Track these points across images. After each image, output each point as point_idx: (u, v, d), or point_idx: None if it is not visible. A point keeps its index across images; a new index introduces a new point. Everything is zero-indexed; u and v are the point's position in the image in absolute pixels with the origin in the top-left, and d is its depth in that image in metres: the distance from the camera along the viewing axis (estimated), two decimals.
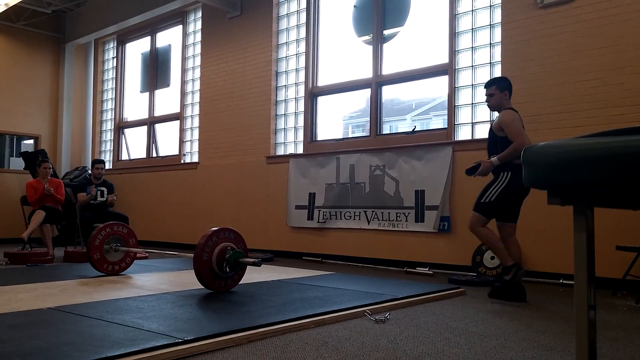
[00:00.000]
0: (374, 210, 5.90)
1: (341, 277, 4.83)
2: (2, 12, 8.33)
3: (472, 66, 5.47)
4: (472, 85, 5.46)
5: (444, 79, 5.69)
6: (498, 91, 4.01)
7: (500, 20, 5.21)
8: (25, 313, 2.95)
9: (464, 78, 5.53)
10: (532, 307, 3.58)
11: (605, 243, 4.13)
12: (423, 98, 6.88)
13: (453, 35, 5.59)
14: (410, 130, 5.96)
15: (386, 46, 6.26)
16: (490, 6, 5.36)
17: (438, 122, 6.37)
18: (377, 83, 6.23)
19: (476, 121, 5.44)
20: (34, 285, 4.00)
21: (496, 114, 4.11)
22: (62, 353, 2.14)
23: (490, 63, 5.34)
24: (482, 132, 5.38)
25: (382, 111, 6.29)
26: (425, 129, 6.20)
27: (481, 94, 5.40)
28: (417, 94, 6.59)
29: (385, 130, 6.39)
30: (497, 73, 5.22)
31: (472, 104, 5.46)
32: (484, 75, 5.38)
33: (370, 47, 6.33)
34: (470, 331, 2.83)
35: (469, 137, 5.44)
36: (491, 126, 4.09)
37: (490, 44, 5.34)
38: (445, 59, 5.66)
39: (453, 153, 5.38)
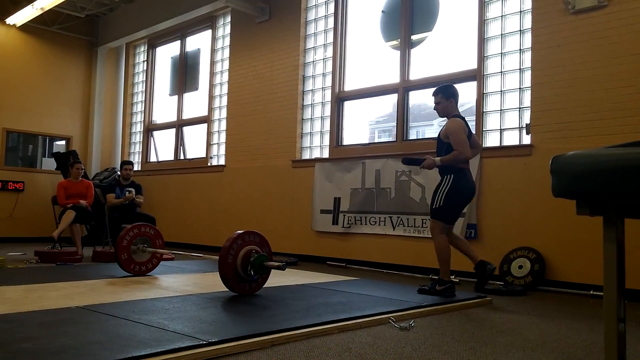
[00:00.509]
0: (399, 216, 5.87)
1: (365, 282, 4.81)
2: (37, 16, 8.56)
3: (502, 72, 5.40)
4: (501, 91, 5.39)
5: (472, 85, 5.62)
6: (444, 99, 4.22)
7: (530, 26, 5.14)
8: (54, 311, 3.01)
9: (492, 84, 5.47)
10: (561, 319, 3.51)
11: (635, 254, 4.03)
12: None
13: (482, 40, 5.53)
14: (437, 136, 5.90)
15: (414, 51, 6.23)
16: (521, 12, 5.29)
17: None
18: (404, 88, 6.20)
19: (505, 127, 5.36)
20: (64, 284, 4.09)
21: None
22: (89, 352, 2.18)
23: (519, 69, 5.26)
24: (511, 138, 5.30)
25: (408, 116, 6.25)
26: None
27: (510, 100, 5.33)
28: None
29: (412, 135, 6.36)
30: (527, 79, 5.15)
31: (501, 110, 5.39)
32: (513, 82, 5.31)
33: (398, 52, 6.31)
34: (496, 341, 2.79)
35: (497, 144, 5.37)
36: (439, 133, 4.28)
37: (520, 49, 5.27)
38: (473, 65, 5.60)
39: (480, 160, 5.32)
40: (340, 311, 3.26)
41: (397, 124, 6.26)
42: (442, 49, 6.05)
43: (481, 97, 5.49)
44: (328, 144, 6.89)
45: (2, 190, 8.73)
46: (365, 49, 6.83)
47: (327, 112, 6.94)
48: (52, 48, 9.50)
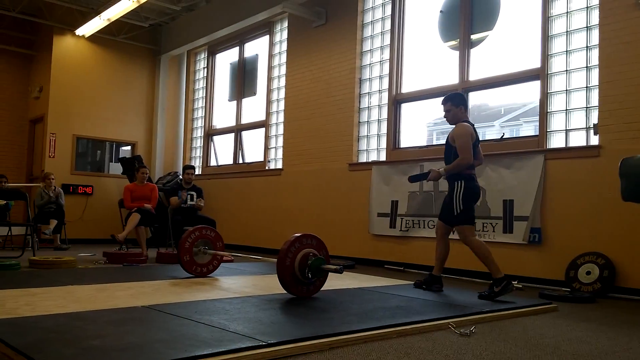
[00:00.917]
0: None
1: None
2: (104, 27, 8.97)
3: (567, 70, 5.19)
4: (566, 90, 5.19)
5: (536, 84, 5.44)
6: (454, 107, 4.36)
7: (597, 22, 4.92)
8: (121, 310, 3.13)
9: (557, 83, 5.27)
10: (632, 328, 3.32)
11: None
12: (513, 104, 6.62)
13: (546, 38, 5.33)
14: (499, 137, 5.74)
15: (473, 51, 6.09)
16: (587, 7, 5.07)
17: (529, 128, 6.11)
18: (463, 89, 6.07)
19: (570, 128, 5.15)
20: (130, 284, 4.25)
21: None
22: (153, 350, 2.25)
23: (586, 67, 5.04)
24: (577, 139, 5.09)
25: (468, 118, 6.09)
26: (514, 136, 5.96)
27: (577, 99, 5.12)
28: (507, 99, 6.35)
29: None
30: (595, 77, 4.93)
31: (566, 110, 5.18)
32: (579, 80, 5.09)
33: (457, 53, 6.19)
34: (562, 349, 2.67)
35: (563, 145, 5.16)
36: (448, 137, 4.38)
37: (587, 47, 5.05)
38: (537, 64, 5.42)
39: (545, 161, 5.13)
40: (399, 315, 3.22)
41: None
42: (504, 48, 5.89)
43: (545, 96, 5.30)
44: (385, 146, 6.84)
45: (73, 194, 9.19)
46: (422, 50, 6.74)
47: (384, 114, 6.90)
48: (118, 57, 9.93)
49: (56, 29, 9.25)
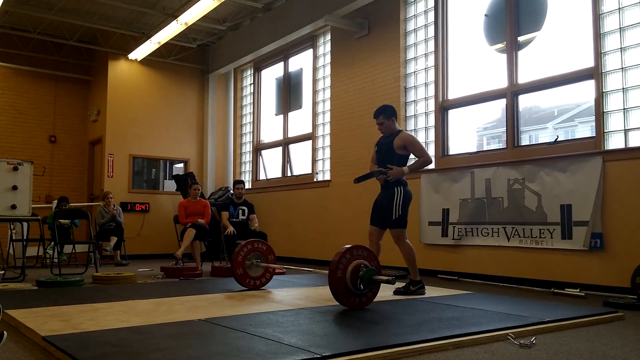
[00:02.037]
0: (514, 227, 5.59)
1: (480, 297, 4.63)
2: (155, 50, 9.31)
3: (622, 68, 5.00)
4: (622, 89, 4.99)
5: (590, 84, 5.26)
6: (386, 119, 4.70)
7: None
8: (180, 323, 3.21)
9: (613, 82, 5.07)
10: None
11: None
12: (566, 104, 6.41)
13: (598, 36, 5.16)
14: (553, 140, 5.57)
15: (521, 53, 5.96)
16: None
17: (584, 129, 5.89)
18: (512, 92, 5.94)
19: (629, 128, 4.94)
20: (187, 298, 4.35)
21: None
22: None
23: None
24: (637, 139, 4.87)
25: (519, 121, 5.96)
26: (569, 138, 5.77)
27: (635, 98, 4.91)
28: (559, 100, 6.16)
29: (524, 141, 6.05)
30: None
31: (624, 109, 4.98)
32: (637, 78, 4.89)
33: (504, 56, 6.06)
34: None
35: (622, 146, 4.95)
36: (383, 145, 4.74)
37: None
38: (590, 63, 5.24)
39: (603, 163, 4.94)
40: (454, 326, 3.16)
41: (506, 130, 6.00)
42: (553, 49, 5.73)
43: (600, 96, 5.11)
44: (434, 154, 6.76)
45: (131, 211, 9.52)
46: (468, 55, 6.64)
47: (431, 122, 6.82)
48: (169, 78, 10.27)
49: (111, 54, 9.67)
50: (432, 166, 6.71)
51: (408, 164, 4.75)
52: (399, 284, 4.64)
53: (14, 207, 5.56)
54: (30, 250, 7.18)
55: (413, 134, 7.03)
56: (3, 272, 5.79)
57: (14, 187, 5.58)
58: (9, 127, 9.89)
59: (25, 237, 6.32)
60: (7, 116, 9.88)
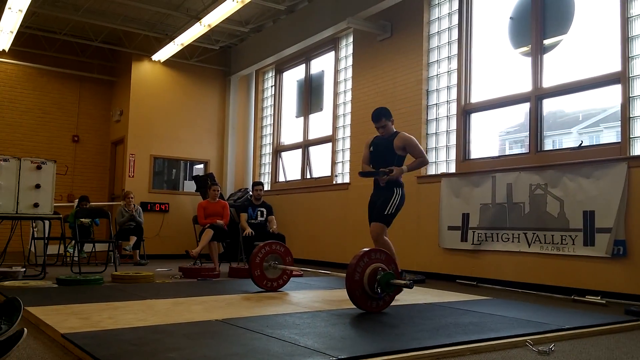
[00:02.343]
0: (535, 232, 5.51)
1: (499, 302, 4.56)
2: (178, 52, 9.40)
3: None
4: None
5: (616, 88, 5.16)
6: (388, 122, 4.73)
7: None
8: (197, 324, 3.23)
9: None
10: None
11: None
12: (591, 109, 6.29)
13: (626, 40, 5.06)
14: (577, 145, 5.48)
15: (546, 57, 5.87)
16: None
17: (610, 135, 5.78)
18: (536, 96, 5.85)
19: None
20: (204, 298, 4.37)
21: None
22: None
23: None
24: None
25: (543, 126, 5.87)
26: (594, 143, 5.66)
27: None
28: (584, 105, 6.05)
29: (548, 146, 5.96)
30: None
31: None
32: None
33: (529, 59, 5.99)
34: None
35: None
36: (380, 146, 4.77)
37: None
38: (617, 67, 5.14)
39: (628, 169, 4.83)
40: (472, 332, 3.12)
41: (530, 134, 5.92)
42: (579, 52, 5.63)
43: (627, 101, 5.01)
44: (454, 158, 6.70)
45: (151, 211, 9.62)
46: (492, 58, 6.57)
47: (453, 125, 6.76)
48: (191, 79, 10.36)
49: (134, 56, 9.79)
50: (452, 170, 6.67)
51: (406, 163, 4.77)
52: (417, 288, 4.60)
53: (36, 205, 5.66)
54: (51, 249, 7.29)
55: (434, 137, 6.99)
56: (24, 269, 5.89)
57: (37, 186, 5.67)
58: (34, 126, 10.08)
59: (46, 236, 6.42)
60: (32, 116, 10.07)
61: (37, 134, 10.08)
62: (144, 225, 8.58)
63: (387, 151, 4.74)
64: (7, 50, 9.19)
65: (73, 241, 7.19)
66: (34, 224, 7.36)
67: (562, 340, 3.10)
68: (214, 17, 7.95)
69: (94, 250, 8.16)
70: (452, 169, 6.70)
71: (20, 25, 8.17)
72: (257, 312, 3.74)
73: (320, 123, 9.28)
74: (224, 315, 3.52)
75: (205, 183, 8.99)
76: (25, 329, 2.21)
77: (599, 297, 4.76)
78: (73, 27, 9.38)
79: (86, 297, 4.23)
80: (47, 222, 6.22)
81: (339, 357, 2.42)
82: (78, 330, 2.90)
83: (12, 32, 8.33)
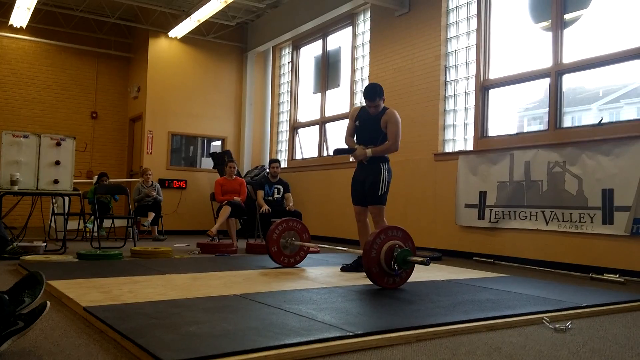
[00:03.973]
0: (552, 210, 5.46)
1: (516, 280, 4.56)
2: (195, 28, 9.37)
3: None
4: None
5: (638, 63, 5.05)
6: (381, 100, 4.54)
7: None
8: (216, 298, 3.28)
9: None
10: None
11: None
12: (612, 85, 6.17)
13: None
14: (597, 122, 5.39)
15: (567, 32, 5.75)
16: None
17: (630, 111, 5.67)
18: (557, 72, 5.75)
19: None
20: (222, 274, 4.44)
21: None
22: (246, 337, 2.34)
23: None
24: None
25: (562, 102, 5.79)
26: (614, 120, 5.56)
27: None
28: (605, 80, 5.93)
29: (567, 122, 5.87)
30: None
31: None
32: None
33: (549, 34, 5.87)
34: None
35: None
36: (368, 122, 4.56)
37: None
38: (638, 42, 5.02)
39: None
40: (489, 309, 3.13)
41: (549, 110, 5.83)
42: (600, 27, 5.51)
43: None
44: (472, 135, 6.64)
45: (169, 188, 9.72)
46: (511, 34, 6.46)
47: (471, 102, 6.69)
48: (208, 56, 10.34)
49: (151, 32, 9.79)
50: (470, 147, 6.62)
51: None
52: (434, 265, 4.59)
53: (56, 181, 5.75)
54: (71, 224, 7.42)
55: (452, 114, 6.92)
56: (45, 244, 6.02)
57: (57, 162, 5.75)
58: (53, 103, 10.18)
59: (66, 211, 6.53)
60: (50, 92, 10.17)
61: (56, 110, 10.19)
62: (162, 202, 8.67)
63: (372, 127, 4.59)
64: (24, 27, 9.24)
65: (92, 217, 7.32)
66: (54, 200, 7.49)
67: (579, 318, 3.10)
68: None
69: (113, 225, 8.29)
70: (470, 147, 6.64)
71: (37, 2, 8.20)
72: (274, 287, 3.79)
73: (337, 100, 9.23)
74: (242, 290, 3.58)
75: (222, 160, 9.04)
76: (48, 302, 2.27)
77: (617, 275, 4.74)
78: (89, 4, 9.39)
79: (106, 272, 4.31)
80: (66, 198, 6.33)
81: (356, 332, 2.45)
82: (99, 303, 2.97)
83: (29, 8, 8.36)
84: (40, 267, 4.04)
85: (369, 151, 4.52)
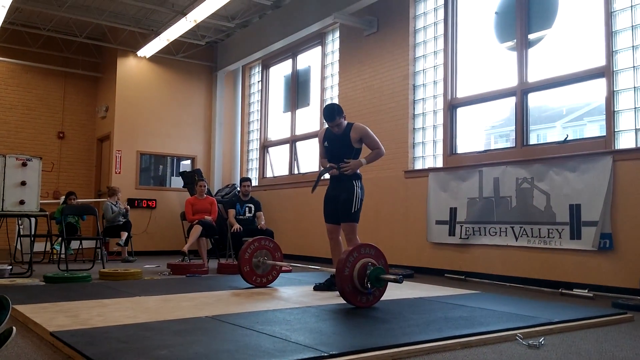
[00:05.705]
0: (522, 226, 5.56)
1: (487, 296, 4.60)
2: (164, 47, 9.32)
3: (634, 67, 4.95)
4: (634, 87, 4.94)
5: (600, 82, 5.21)
6: (341, 119, 4.53)
7: None
8: (187, 320, 3.21)
9: (624, 80, 5.03)
10: None
11: None
12: (575, 104, 6.36)
13: (610, 34, 5.11)
14: (563, 139, 5.53)
15: (531, 51, 5.92)
16: None
17: (593, 129, 5.85)
18: (522, 91, 5.90)
19: None
20: (194, 295, 4.36)
21: None
22: None
23: None
24: None
25: (528, 120, 5.92)
26: (578, 137, 5.72)
27: None
28: (568, 99, 6.11)
29: (533, 140, 6.01)
30: None
31: (635, 108, 4.93)
32: None
33: (514, 53, 6.03)
34: None
35: (633, 145, 4.91)
36: (336, 141, 4.57)
37: None
38: (601, 61, 5.19)
39: (613, 163, 4.89)
40: (462, 326, 3.14)
41: (516, 128, 5.96)
42: (563, 47, 5.69)
43: (611, 95, 5.07)
44: (442, 152, 6.73)
45: (138, 207, 9.55)
46: (478, 53, 6.61)
47: (440, 120, 6.79)
48: (177, 75, 10.28)
49: (120, 51, 9.69)
50: (440, 164, 6.71)
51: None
52: (406, 282, 4.60)
53: (22, 202, 5.59)
54: (37, 246, 7.21)
55: (421, 132, 7.01)
56: (11, 267, 5.82)
57: (23, 183, 5.60)
58: (19, 123, 9.95)
59: (33, 233, 6.35)
60: (16, 112, 9.94)
61: (22, 130, 9.96)
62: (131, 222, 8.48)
63: (342, 145, 4.59)
64: None
65: (60, 238, 7.12)
66: (19, 222, 7.27)
67: (552, 334, 3.14)
68: (200, 12, 7.89)
69: (80, 247, 8.08)
70: (440, 164, 6.73)
71: (4, 21, 8.06)
72: (247, 308, 3.74)
73: (307, 118, 9.27)
74: (214, 311, 3.51)
75: (192, 179, 8.94)
76: (14, 327, 2.19)
77: (587, 290, 4.82)
78: (57, 23, 9.26)
79: (74, 295, 4.19)
80: (33, 219, 6.15)
81: (331, 352, 2.42)
82: (67, 328, 2.88)
83: None
84: (5, 291, 3.88)
85: (363, 160, 4.56)
